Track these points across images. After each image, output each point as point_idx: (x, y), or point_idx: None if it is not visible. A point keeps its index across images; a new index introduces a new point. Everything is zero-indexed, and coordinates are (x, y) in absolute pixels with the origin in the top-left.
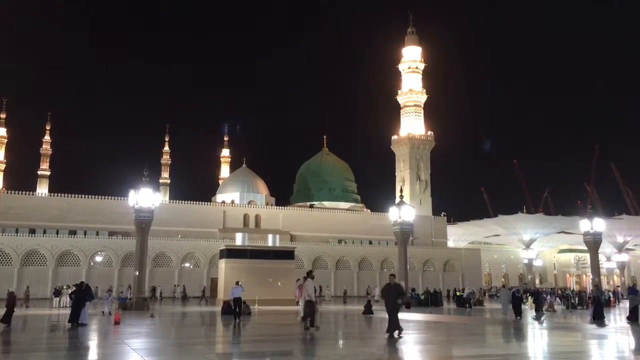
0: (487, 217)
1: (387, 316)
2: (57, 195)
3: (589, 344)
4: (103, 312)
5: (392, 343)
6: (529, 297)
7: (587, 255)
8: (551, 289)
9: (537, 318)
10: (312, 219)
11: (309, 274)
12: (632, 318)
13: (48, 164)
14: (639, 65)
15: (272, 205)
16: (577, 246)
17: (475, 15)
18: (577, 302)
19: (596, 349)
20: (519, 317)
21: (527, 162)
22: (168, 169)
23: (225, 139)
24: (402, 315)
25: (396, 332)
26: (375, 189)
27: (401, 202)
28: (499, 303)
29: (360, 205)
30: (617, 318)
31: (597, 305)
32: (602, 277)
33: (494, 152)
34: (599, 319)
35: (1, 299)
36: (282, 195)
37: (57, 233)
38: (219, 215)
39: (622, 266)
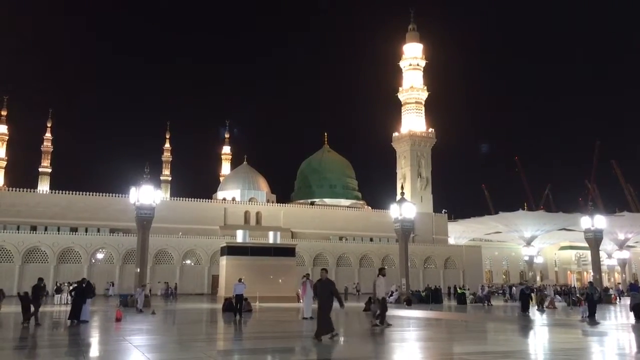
0: (488, 214)
1: (388, 312)
2: (58, 193)
3: (568, 343)
4: (137, 308)
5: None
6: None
7: (588, 252)
8: (561, 286)
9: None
10: (313, 216)
11: (381, 271)
12: (635, 317)
13: (49, 161)
14: (639, 62)
15: (273, 202)
16: (578, 243)
17: (477, 12)
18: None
19: (576, 348)
20: (526, 313)
21: (528, 159)
22: (169, 166)
23: (226, 136)
24: (403, 312)
25: (328, 334)
26: (376, 186)
27: (402, 199)
28: (506, 301)
29: (361, 202)
30: (616, 316)
31: (590, 303)
32: (603, 274)
33: (495, 149)
34: (592, 316)
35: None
36: (283, 193)
37: (58, 230)
38: (220, 213)
39: (623, 263)
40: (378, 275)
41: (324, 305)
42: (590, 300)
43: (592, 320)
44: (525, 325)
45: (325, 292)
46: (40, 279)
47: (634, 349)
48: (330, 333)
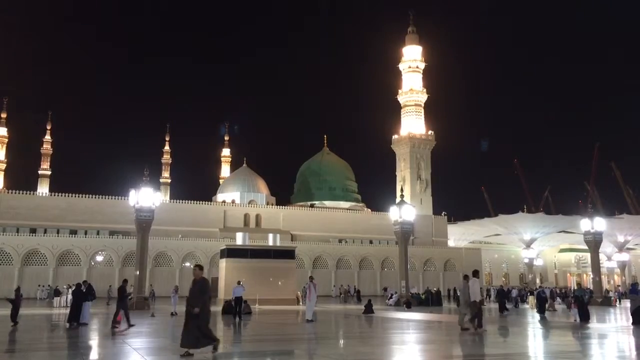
0: (487, 216)
1: (388, 314)
2: (58, 195)
3: (564, 346)
4: (172, 312)
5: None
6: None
7: (588, 255)
8: (560, 289)
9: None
10: (313, 219)
11: (475, 274)
12: (635, 320)
13: (49, 163)
14: (639, 63)
15: (272, 204)
16: (577, 245)
17: (476, 14)
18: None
19: (571, 351)
20: (542, 315)
21: (528, 161)
22: (169, 169)
23: (226, 138)
24: (403, 315)
25: (210, 345)
26: (376, 189)
27: (402, 202)
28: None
29: (360, 204)
30: (615, 319)
31: (580, 305)
32: (602, 277)
33: (495, 151)
34: (583, 320)
35: (1, 299)
36: (282, 195)
37: (58, 233)
38: (220, 215)
39: (622, 266)
40: (471, 278)
41: (201, 310)
42: (580, 302)
43: (582, 323)
44: (529, 329)
45: (195, 294)
46: (125, 280)
47: (634, 352)
48: (213, 343)
